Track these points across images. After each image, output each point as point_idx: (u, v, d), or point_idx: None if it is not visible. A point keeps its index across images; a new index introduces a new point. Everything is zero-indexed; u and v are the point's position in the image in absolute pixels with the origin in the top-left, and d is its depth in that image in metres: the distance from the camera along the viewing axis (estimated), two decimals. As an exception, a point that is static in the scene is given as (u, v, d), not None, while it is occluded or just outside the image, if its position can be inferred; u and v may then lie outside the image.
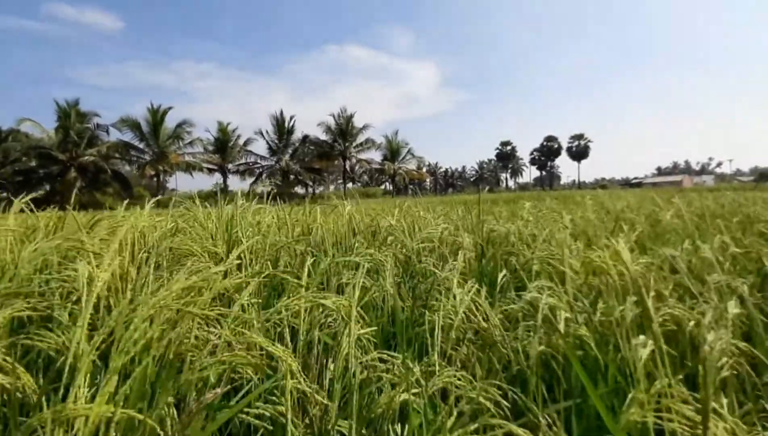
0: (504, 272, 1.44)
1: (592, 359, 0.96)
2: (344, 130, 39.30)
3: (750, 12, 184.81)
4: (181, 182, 57.11)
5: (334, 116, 39.44)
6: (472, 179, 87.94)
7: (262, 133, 37.48)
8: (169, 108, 33.50)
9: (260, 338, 0.70)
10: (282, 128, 37.91)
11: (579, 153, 73.82)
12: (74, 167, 29.19)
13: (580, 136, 74.05)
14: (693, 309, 1.01)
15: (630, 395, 0.75)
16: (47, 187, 29.31)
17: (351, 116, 39.55)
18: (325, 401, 0.76)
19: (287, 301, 0.90)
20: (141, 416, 0.55)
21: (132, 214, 1.77)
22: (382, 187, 53.12)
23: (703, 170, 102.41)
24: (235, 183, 38.55)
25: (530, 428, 0.73)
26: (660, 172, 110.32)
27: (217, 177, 37.48)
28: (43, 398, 0.70)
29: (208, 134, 36.17)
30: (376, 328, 0.90)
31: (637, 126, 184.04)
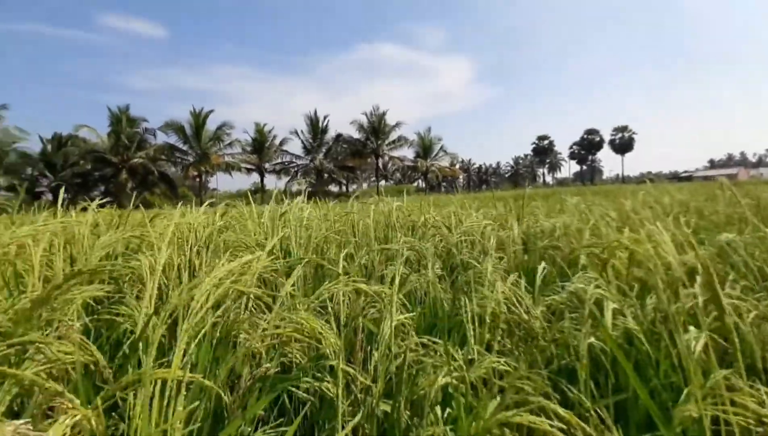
0: (542, 264, 1.42)
1: (644, 353, 0.93)
2: (377, 128, 39.47)
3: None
4: (221, 182, 59.51)
5: (366, 114, 39.72)
6: (507, 175, 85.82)
7: (297, 133, 38.38)
8: (211, 111, 35.01)
9: (309, 317, 0.74)
10: (316, 128, 38.63)
11: (623, 146, 70.23)
12: (125, 169, 31.15)
13: (623, 128, 70.44)
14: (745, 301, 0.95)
15: (685, 391, 0.73)
16: (102, 188, 31.49)
17: (383, 114, 39.66)
18: (368, 382, 0.79)
19: (329, 284, 0.93)
20: (209, 382, 0.60)
21: (187, 211, 1.89)
22: (415, 184, 52.91)
23: (761, 162, 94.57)
24: (272, 182, 39.72)
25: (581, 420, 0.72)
26: (713, 164, 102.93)
27: (255, 177, 38.80)
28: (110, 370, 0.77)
29: (246, 135, 37.48)
30: (415, 314, 0.92)
31: (687, 117, 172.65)
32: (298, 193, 2.94)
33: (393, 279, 0.95)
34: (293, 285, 0.90)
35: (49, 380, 0.60)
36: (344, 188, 41.26)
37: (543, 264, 1.40)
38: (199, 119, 34.18)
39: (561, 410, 0.59)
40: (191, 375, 0.63)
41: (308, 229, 1.63)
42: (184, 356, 0.65)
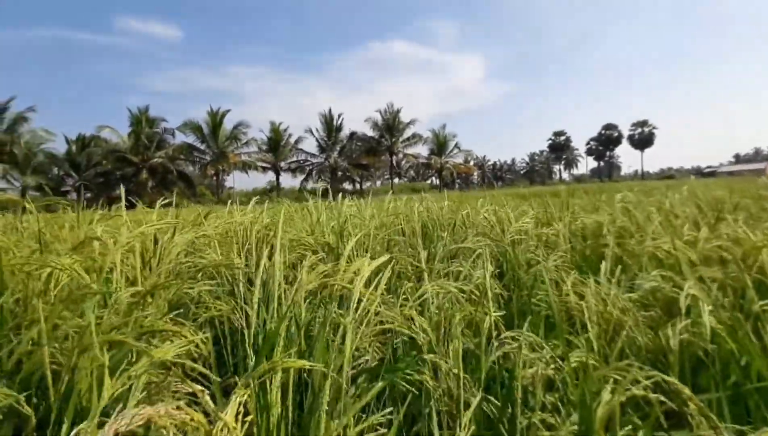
0: (603, 262, 1.42)
1: (727, 351, 0.93)
2: (391, 125, 39.46)
3: None
4: (237, 181, 60.35)
5: (380, 112, 39.74)
6: (522, 172, 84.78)
7: (311, 132, 38.64)
8: (227, 111, 35.53)
9: (412, 312, 0.77)
10: (330, 126, 38.82)
11: (642, 141, 68.62)
12: (145, 169, 31.86)
13: (643, 123, 68.79)
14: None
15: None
16: (123, 187, 32.30)
17: (398, 111, 39.62)
18: (458, 371, 0.82)
19: (413, 285, 0.96)
20: (324, 368, 0.63)
21: (237, 210, 1.94)
22: (428, 181, 52.71)
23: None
24: (287, 180, 40.11)
25: (677, 414, 0.73)
26: (738, 159, 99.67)
27: (270, 175, 39.25)
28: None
29: (262, 134, 37.90)
30: (504, 312, 0.94)
31: (710, 110, 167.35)
32: (325, 191, 2.99)
33: (484, 271, 0.97)
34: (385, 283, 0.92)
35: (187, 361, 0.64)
36: (358, 186, 41.39)
37: (603, 263, 1.41)
38: (216, 119, 34.71)
39: (687, 391, 0.60)
40: (312, 364, 0.67)
41: (363, 227, 1.66)
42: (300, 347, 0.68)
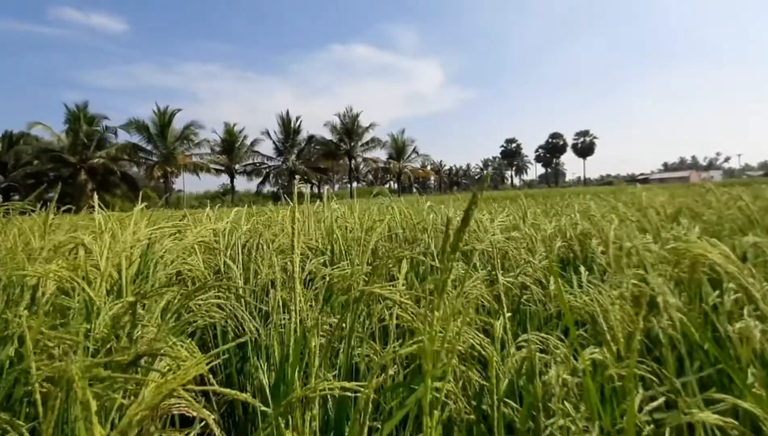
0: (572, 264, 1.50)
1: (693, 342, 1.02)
2: (350, 129, 39.40)
3: (761, 5, 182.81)
4: (187, 184, 57.42)
5: (339, 116, 39.57)
6: (476, 177, 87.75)
7: (268, 134, 37.69)
8: (177, 110, 33.73)
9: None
10: (288, 128, 38.08)
11: (584, 150, 73.53)
12: (84, 169, 29.47)
13: (585, 133, 73.77)
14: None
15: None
16: (58, 189, 29.67)
17: (357, 115, 39.65)
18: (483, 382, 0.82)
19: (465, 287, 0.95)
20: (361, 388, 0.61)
21: (210, 216, 1.84)
22: (386, 185, 53.14)
23: (711, 166, 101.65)
24: (242, 184, 38.71)
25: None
26: (666, 167, 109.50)
27: (224, 178, 37.75)
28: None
29: (215, 135, 36.39)
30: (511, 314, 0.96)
31: (643, 121, 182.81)
32: (269, 194, 2.92)
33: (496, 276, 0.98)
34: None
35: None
36: (316, 190, 40.85)
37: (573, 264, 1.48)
38: (164, 118, 32.84)
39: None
40: (342, 384, 0.64)
41: (351, 231, 1.63)
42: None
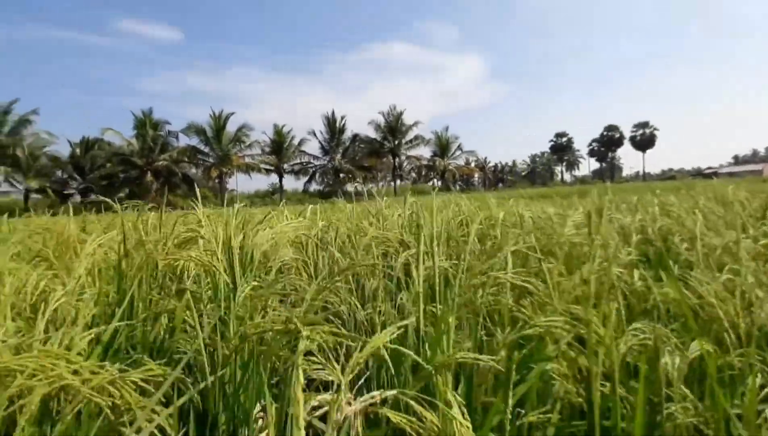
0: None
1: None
2: (394, 127, 39.60)
3: None
4: (239, 183, 60.48)
5: (383, 114, 39.89)
6: (523, 174, 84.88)
7: (314, 133, 38.77)
8: (231, 113, 35.67)
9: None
10: (333, 128, 38.97)
11: (644, 142, 68.79)
12: (150, 171, 31.96)
13: (644, 124, 68.98)
14: None
15: None
16: (127, 190, 32.41)
17: (401, 114, 39.78)
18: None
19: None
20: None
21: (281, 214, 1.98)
22: (430, 183, 52.82)
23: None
24: (290, 183, 40.20)
25: None
26: (737, 160, 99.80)
27: (273, 177, 39.36)
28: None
29: (265, 136, 38.02)
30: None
31: (710, 111, 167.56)
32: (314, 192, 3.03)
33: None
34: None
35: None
36: (360, 188, 41.47)
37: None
38: (219, 122, 34.84)
39: None
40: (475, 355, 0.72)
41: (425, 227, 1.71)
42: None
